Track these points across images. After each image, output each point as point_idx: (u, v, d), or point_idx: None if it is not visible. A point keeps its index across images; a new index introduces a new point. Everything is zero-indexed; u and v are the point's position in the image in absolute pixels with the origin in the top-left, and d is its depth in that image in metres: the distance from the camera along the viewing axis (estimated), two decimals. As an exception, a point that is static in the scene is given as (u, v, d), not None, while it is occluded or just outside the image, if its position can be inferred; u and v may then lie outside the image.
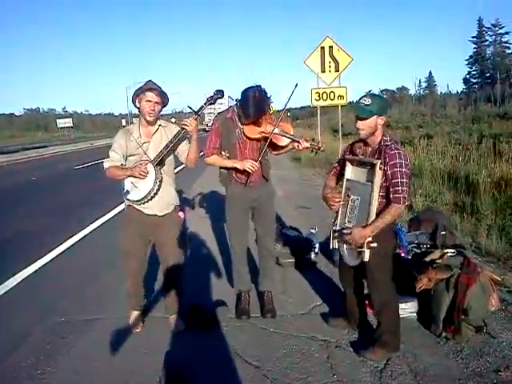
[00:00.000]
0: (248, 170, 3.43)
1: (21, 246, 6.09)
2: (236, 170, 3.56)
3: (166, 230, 3.46)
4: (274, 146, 3.59)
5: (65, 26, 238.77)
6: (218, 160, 3.60)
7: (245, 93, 3.38)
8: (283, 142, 3.53)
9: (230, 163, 3.55)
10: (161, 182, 3.33)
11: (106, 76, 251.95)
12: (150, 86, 3.27)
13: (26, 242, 6.34)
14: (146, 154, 3.36)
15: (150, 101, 3.26)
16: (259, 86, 3.39)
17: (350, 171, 3.19)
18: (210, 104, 3.35)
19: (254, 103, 3.33)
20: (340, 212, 3.21)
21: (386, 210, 2.90)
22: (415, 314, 3.61)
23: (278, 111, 3.55)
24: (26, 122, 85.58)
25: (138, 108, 3.33)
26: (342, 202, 3.19)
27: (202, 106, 3.31)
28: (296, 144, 3.49)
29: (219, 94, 3.34)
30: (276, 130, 3.44)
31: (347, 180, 3.19)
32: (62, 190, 11.66)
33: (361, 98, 2.99)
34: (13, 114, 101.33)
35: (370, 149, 3.07)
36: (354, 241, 2.97)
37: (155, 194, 3.34)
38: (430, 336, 3.34)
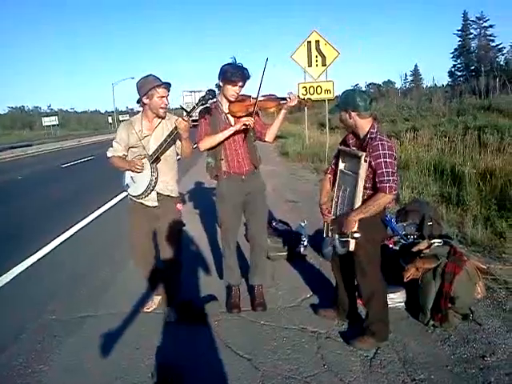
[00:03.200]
0: (247, 123, 3.42)
1: (10, 246, 6.02)
2: (226, 159, 3.59)
3: (163, 221, 3.52)
4: (260, 120, 3.68)
5: (49, 23, 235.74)
6: (211, 138, 3.53)
7: (223, 65, 3.49)
8: (270, 105, 3.55)
9: (226, 133, 3.49)
10: (156, 179, 3.40)
11: (91, 73, 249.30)
12: (159, 82, 3.31)
13: (15, 241, 6.28)
14: (144, 148, 3.42)
15: (162, 96, 3.33)
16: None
17: (342, 162, 3.26)
18: (202, 104, 3.37)
19: (235, 67, 3.45)
20: (333, 202, 3.27)
21: (372, 198, 2.94)
22: (403, 304, 3.67)
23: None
24: (11, 121, 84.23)
25: (145, 104, 3.37)
26: (335, 193, 3.28)
27: (194, 107, 3.34)
28: (284, 103, 3.49)
29: (211, 94, 3.34)
30: (260, 98, 3.48)
31: (340, 171, 3.26)
32: (49, 188, 11.54)
33: None
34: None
35: (358, 141, 3.12)
36: (340, 227, 3.04)
37: (151, 190, 3.42)
38: (418, 325, 3.40)
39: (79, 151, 25.46)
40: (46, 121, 59.89)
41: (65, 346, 3.37)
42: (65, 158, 19.78)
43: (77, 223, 7.05)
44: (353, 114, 3.03)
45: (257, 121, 3.60)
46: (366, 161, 2.92)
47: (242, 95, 3.57)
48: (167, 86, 3.37)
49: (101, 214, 7.75)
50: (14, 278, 4.80)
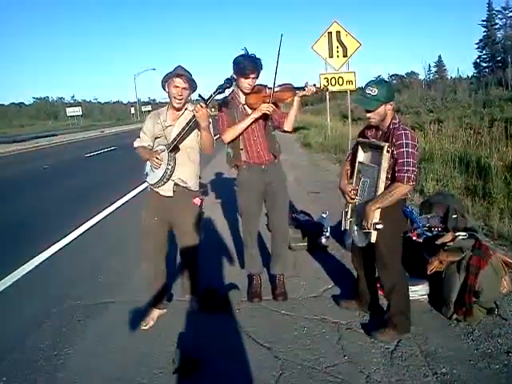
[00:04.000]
0: (265, 111, 3.39)
1: (35, 233, 6.17)
2: (245, 149, 3.59)
3: (180, 214, 3.47)
4: (278, 109, 3.63)
5: (73, 13, 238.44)
6: (234, 129, 3.53)
7: (236, 57, 3.45)
8: (286, 95, 3.52)
9: (247, 121, 3.48)
10: (173, 168, 3.35)
11: (114, 64, 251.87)
12: (178, 72, 3.28)
13: (40, 229, 6.43)
14: (166, 138, 3.39)
15: (177, 86, 3.28)
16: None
17: (362, 154, 3.21)
18: (220, 93, 3.31)
19: (247, 59, 3.40)
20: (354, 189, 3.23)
21: (389, 188, 2.90)
22: (426, 297, 3.62)
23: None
24: (36, 111, 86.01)
25: (168, 93, 3.37)
26: (353, 185, 3.21)
27: (211, 96, 3.28)
28: (301, 92, 3.46)
29: (228, 82, 3.30)
30: (276, 89, 3.45)
31: (359, 163, 3.21)
32: (74, 177, 11.75)
33: (366, 87, 2.98)
34: (22, 103, 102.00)
35: (380, 132, 3.08)
36: (360, 219, 2.99)
37: (168, 179, 3.37)
38: (441, 318, 3.34)
39: (102, 141, 25.82)
40: (70, 111, 60.90)
41: (89, 330, 3.44)
42: (88, 148, 20.07)
43: (100, 212, 7.16)
44: (391, 106, 2.98)
45: (275, 110, 3.57)
46: (388, 151, 2.88)
47: (258, 85, 3.54)
48: (186, 78, 3.29)
49: (124, 203, 7.85)
50: (36, 266, 4.89)
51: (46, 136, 32.47)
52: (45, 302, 3.97)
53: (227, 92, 3.48)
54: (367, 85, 3.00)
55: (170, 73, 3.32)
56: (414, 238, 4.24)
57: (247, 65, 3.38)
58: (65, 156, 18.15)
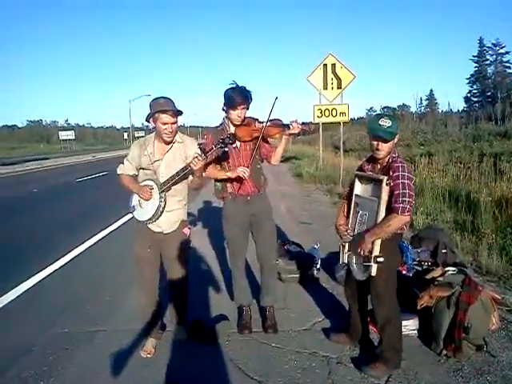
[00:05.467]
0: (240, 175, 3.46)
1: (22, 259, 6.10)
2: (230, 182, 3.63)
3: (170, 244, 3.47)
4: (267, 143, 3.72)
5: (68, 38, 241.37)
6: (213, 172, 3.62)
7: (226, 90, 3.52)
8: (274, 131, 3.57)
9: (222, 174, 3.59)
10: (164, 208, 3.34)
11: (108, 89, 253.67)
12: (163, 108, 3.19)
13: (28, 254, 6.37)
14: (155, 172, 3.37)
15: (166, 123, 3.22)
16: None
17: (359, 187, 3.26)
18: (221, 147, 3.31)
19: (236, 91, 3.48)
20: (350, 227, 3.26)
21: (385, 219, 2.94)
22: (416, 332, 3.62)
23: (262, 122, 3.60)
24: (29, 134, 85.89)
25: (155, 127, 3.30)
26: (351, 217, 3.25)
27: (212, 148, 3.27)
28: (287, 130, 3.50)
29: (231, 139, 3.27)
30: (267, 124, 3.50)
31: (356, 196, 3.25)
32: (64, 202, 11.70)
33: (379, 119, 3.03)
34: (15, 125, 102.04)
35: (378, 166, 3.14)
36: (360, 250, 3.02)
37: (157, 219, 3.37)
38: (431, 354, 3.34)
39: (94, 166, 25.80)
40: (63, 135, 60.84)
41: (76, 360, 3.39)
42: (80, 173, 20.03)
43: (90, 238, 7.12)
44: (396, 139, 3.08)
45: (263, 145, 3.66)
46: (388, 184, 2.94)
47: (249, 118, 3.61)
48: (173, 113, 3.22)
49: (114, 230, 7.83)
50: (25, 291, 4.83)
51: (39, 159, 32.37)
52: (32, 328, 3.92)
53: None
54: (379, 117, 3.06)
55: (154, 101, 3.24)
56: (404, 272, 4.27)
57: (236, 97, 3.45)
58: (56, 180, 18.07)
